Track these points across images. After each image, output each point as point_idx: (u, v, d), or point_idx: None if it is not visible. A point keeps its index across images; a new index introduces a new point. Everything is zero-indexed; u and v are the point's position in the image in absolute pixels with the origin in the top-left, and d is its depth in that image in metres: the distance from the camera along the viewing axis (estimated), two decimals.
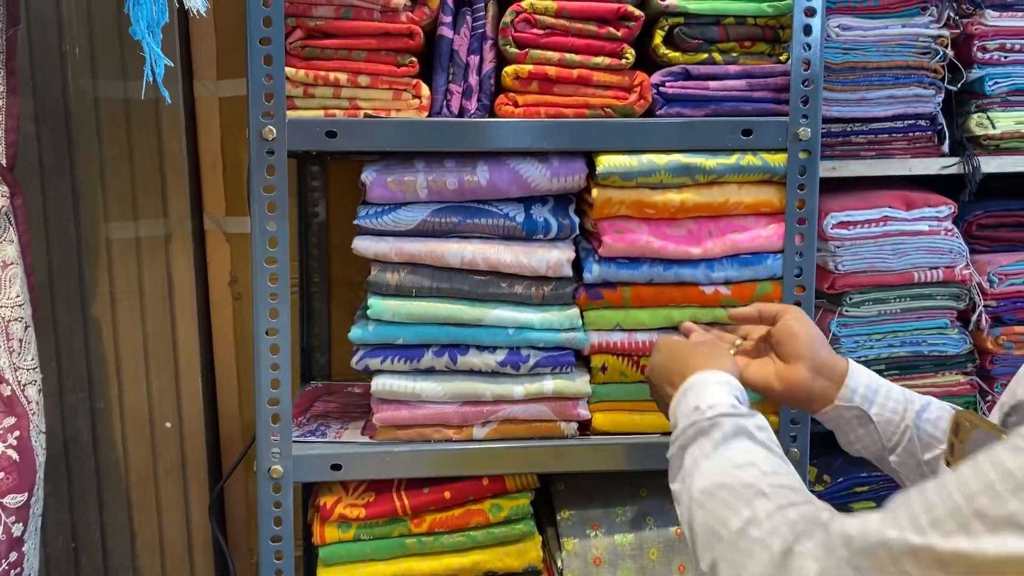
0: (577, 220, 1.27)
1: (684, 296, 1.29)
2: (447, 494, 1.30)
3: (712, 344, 1.11)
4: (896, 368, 1.55)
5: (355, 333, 1.26)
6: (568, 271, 1.26)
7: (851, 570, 0.67)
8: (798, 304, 1.27)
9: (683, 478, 0.89)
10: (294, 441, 1.27)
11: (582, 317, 1.29)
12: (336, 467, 1.26)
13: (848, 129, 1.57)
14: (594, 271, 1.27)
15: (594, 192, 1.25)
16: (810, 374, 1.06)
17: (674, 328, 1.27)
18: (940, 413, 1.04)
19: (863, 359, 1.41)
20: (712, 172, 1.25)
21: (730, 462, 0.86)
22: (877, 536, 0.66)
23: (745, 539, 0.77)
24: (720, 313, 1.28)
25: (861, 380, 1.06)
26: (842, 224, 1.54)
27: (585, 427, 1.31)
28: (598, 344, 1.29)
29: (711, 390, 0.96)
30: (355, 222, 1.26)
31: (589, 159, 1.26)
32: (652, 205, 1.25)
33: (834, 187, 1.59)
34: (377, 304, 1.25)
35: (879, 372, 1.17)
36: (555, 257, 1.25)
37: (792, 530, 0.74)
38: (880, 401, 1.05)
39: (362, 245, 1.26)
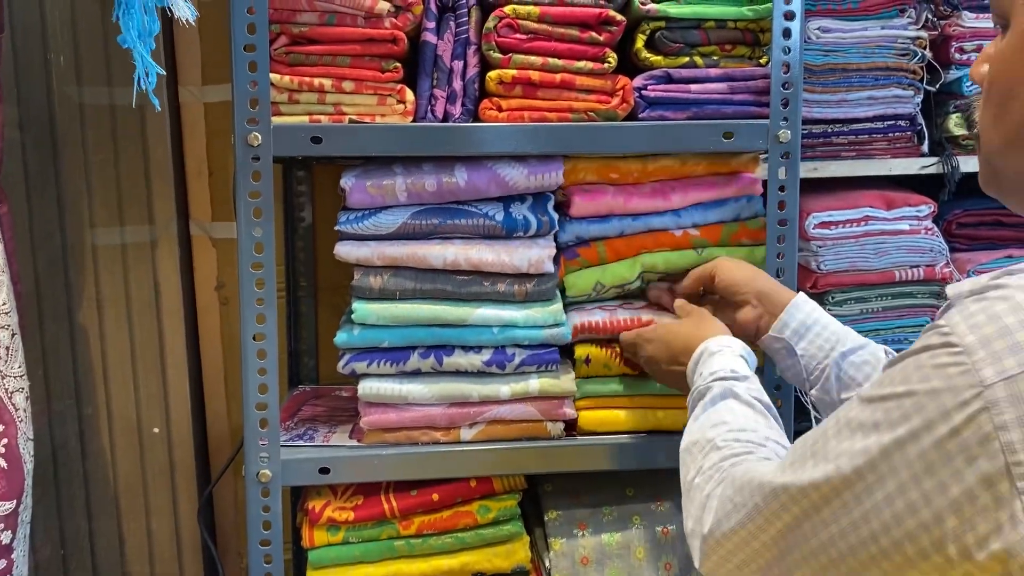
0: (556, 216, 1.29)
1: (656, 241, 1.33)
2: (435, 496, 1.30)
3: (698, 313, 1.19)
4: None
5: (340, 338, 1.27)
6: (550, 267, 1.27)
7: (731, 505, 0.78)
8: None
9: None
10: (282, 445, 1.27)
11: (563, 284, 1.31)
12: (324, 471, 1.27)
13: (829, 130, 1.59)
14: (567, 230, 1.31)
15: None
16: (757, 312, 1.16)
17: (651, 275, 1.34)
18: (868, 359, 1.10)
19: None
20: None
21: (708, 421, 0.95)
22: (748, 476, 0.77)
23: (692, 488, 0.88)
24: (692, 255, 1.32)
25: (797, 316, 1.13)
26: (824, 224, 1.56)
27: (571, 427, 1.32)
28: (580, 325, 1.30)
29: (716, 358, 1.04)
30: (336, 228, 1.26)
31: (565, 155, 1.29)
32: (616, 170, 1.31)
33: (816, 187, 1.61)
34: (361, 308, 1.26)
35: None
36: (536, 254, 1.26)
37: (720, 476, 0.84)
38: (810, 337, 1.12)
39: (344, 250, 1.26)
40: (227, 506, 1.75)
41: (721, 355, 1.04)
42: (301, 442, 1.32)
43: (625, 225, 1.32)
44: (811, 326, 1.13)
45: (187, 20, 1.12)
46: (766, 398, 0.99)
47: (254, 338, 1.24)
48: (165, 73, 1.14)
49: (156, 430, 1.69)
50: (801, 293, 1.17)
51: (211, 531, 1.72)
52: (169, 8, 1.11)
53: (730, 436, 0.90)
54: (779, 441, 0.92)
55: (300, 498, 1.41)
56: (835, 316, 1.56)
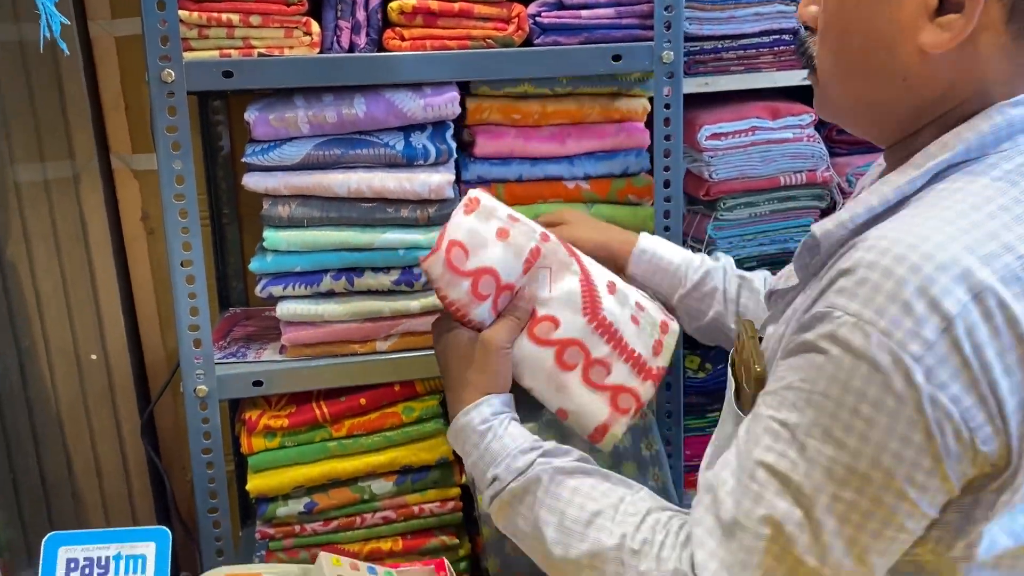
0: (454, 145, 1.35)
1: (552, 191, 1.43)
2: (363, 401, 1.40)
3: (484, 358, 1.07)
4: (768, 264, 1.70)
5: (255, 264, 1.33)
6: (450, 193, 1.34)
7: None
8: (667, 213, 1.41)
9: (531, 545, 0.96)
10: (216, 363, 1.35)
11: None
12: (258, 383, 1.35)
13: (719, 46, 1.67)
14: (470, 169, 1.39)
15: (468, 102, 1.36)
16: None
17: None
18: (702, 297, 1.25)
19: (737, 258, 1.55)
20: (568, 84, 1.40)
21: (565, 517, 0.91)
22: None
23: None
24: (582, 208, 1.43)
25: (636, 275, 1.28)
26: (715, 136, 1.65)
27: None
28: None
29: (500, 442, 1.00)
30: (243, 159, 1.31)
31: (460, 86, 1.35)
32: (518, 111, 1.39)
33: (708, 101, 1.71)
34: (272, 236, 1.32)
35: (751, 269, 1.34)
36: (436, 181, 1.32)
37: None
38: (653, 285, 1.28)
39: (252, 181, 1.31)
40: (168, 425, 1.83)
41: (500, 440, 1.00)
42: (234, 359, 1.40)
43: (524, 170, 1.41)
44: (650, 279, 1.28)
45: None
46: (581, 456, 0.99)
47: (182, 264, 1.29)
48: (70, 22, 1.17)
49: (94, 357, 1.74)
50: (633, 250, 1.28)
51: (155, 448, 1.81)
52: None
53: (619, 519, 0.89)
54: (617, 490, 0.92)
55: (237, 411, 1.50)
56: (727, 221, 1.69)
